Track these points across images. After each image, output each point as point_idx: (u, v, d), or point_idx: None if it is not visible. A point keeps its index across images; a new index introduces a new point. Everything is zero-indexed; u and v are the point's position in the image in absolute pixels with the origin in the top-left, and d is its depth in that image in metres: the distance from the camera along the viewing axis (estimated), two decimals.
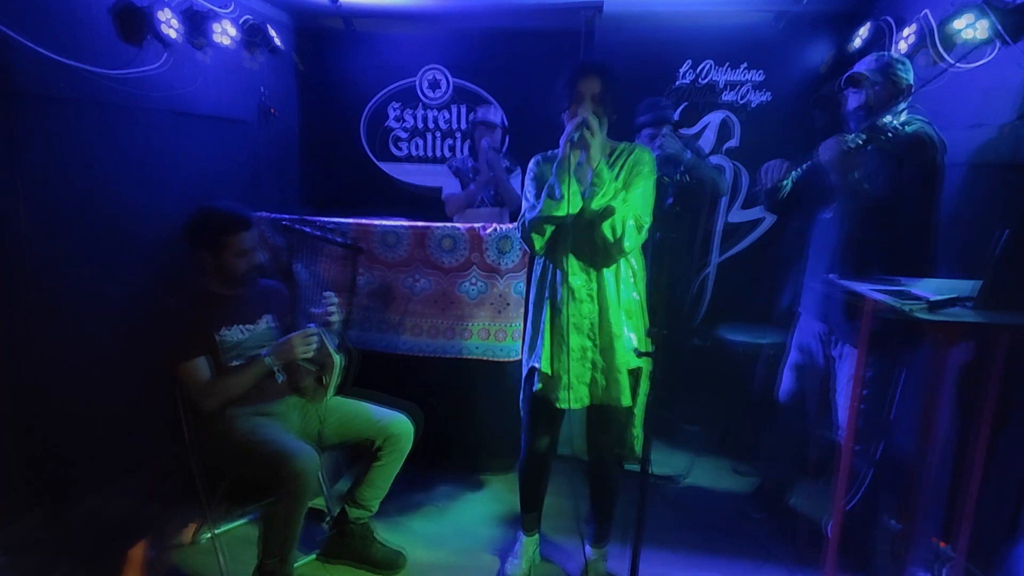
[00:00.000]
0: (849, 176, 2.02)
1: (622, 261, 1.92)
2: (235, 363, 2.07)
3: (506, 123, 3.41)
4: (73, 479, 2.39)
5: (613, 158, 1.91)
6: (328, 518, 2.36)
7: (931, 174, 2.02)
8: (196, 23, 2.86)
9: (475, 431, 2.86)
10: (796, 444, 2.45)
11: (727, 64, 3.49)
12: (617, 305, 1.90)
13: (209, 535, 2.16)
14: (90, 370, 2.45)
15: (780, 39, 3.41)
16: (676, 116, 3.09)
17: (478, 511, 2.63)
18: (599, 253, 1.87)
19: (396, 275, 2.79)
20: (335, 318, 2.14)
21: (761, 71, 3.47)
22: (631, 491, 2.69)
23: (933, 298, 1.51)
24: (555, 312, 1.94)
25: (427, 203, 3.83)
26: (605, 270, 1.90)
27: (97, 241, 2.48)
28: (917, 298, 1.59)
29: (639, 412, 2.02)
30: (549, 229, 1.88)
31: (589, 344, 1.93)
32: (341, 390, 2.24)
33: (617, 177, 1.86)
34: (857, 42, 3.10)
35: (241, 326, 2.12)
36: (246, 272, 2.10)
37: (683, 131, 3.56)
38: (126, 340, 2.55)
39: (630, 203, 1.82)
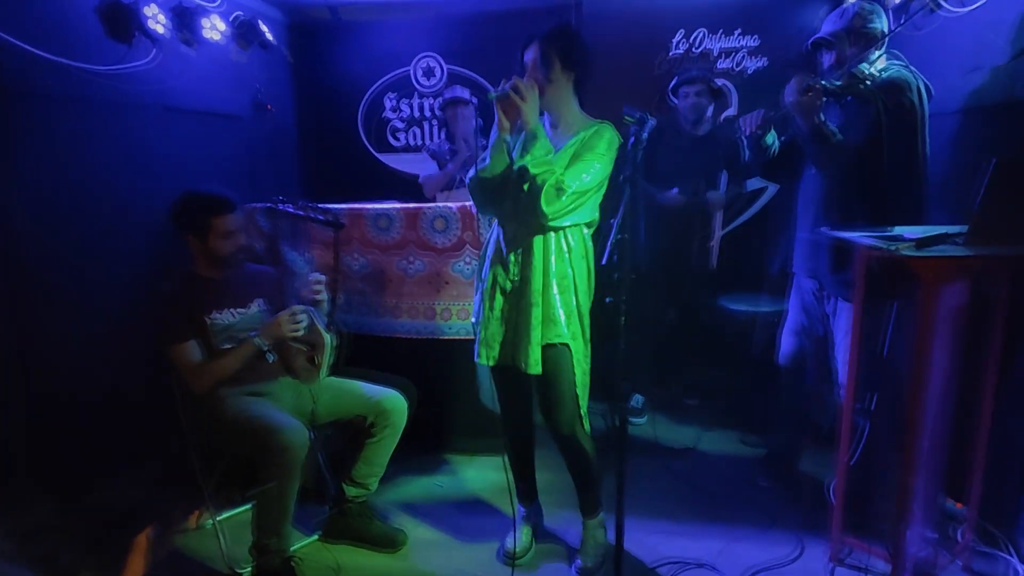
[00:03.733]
0: (816, 119, 1.96)
1: (557, 235, 1.88)
2: (226, 346, 2.08)
3: (476, 100, 3.38)
4: (82, 469, 2.43)
5: (577, 132, 1.88)
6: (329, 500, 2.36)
7: (911, 118, 1.96)
8: (184, 19, 2.90)
9: (475, 410, 2.85)
10: (800, 408, 2.39)
11: (720, 31, 3.42)
12: (541, 273, 1.87)
13: (211, 520, 2.18)
14: (95, 361, 2.48)
15: (774, 1, 3.33)
16: (712, 75, 3.08)
17: (480, 489, 2.61)
18: (533, 217, 1.83)
19: (390, 258, 2.79)
20: (322, 297, 2.15)
21: (756, 36, 3.40)
22: (633, 463, 2.70)
23: (920, 235, 1.45)
24: (487, 271, 1.99)
25: None
26: (536, 239, 1.87)
27: (94, 235, 2.51)
28: (906, 240, 1.53)
29: (582, 392, 1.99)
30: (480, 191, 1.92)
31: (507, 306, 1.95)
32: (335, 370, 2.24)
33: (571, 148, 1.84)
34: None
35: (232, 309, 2.13)
36: (232, 254, 2.12)
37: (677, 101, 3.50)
38: (127, 332, 2.58)
39: (560, 167, 1.79)
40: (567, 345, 1.92)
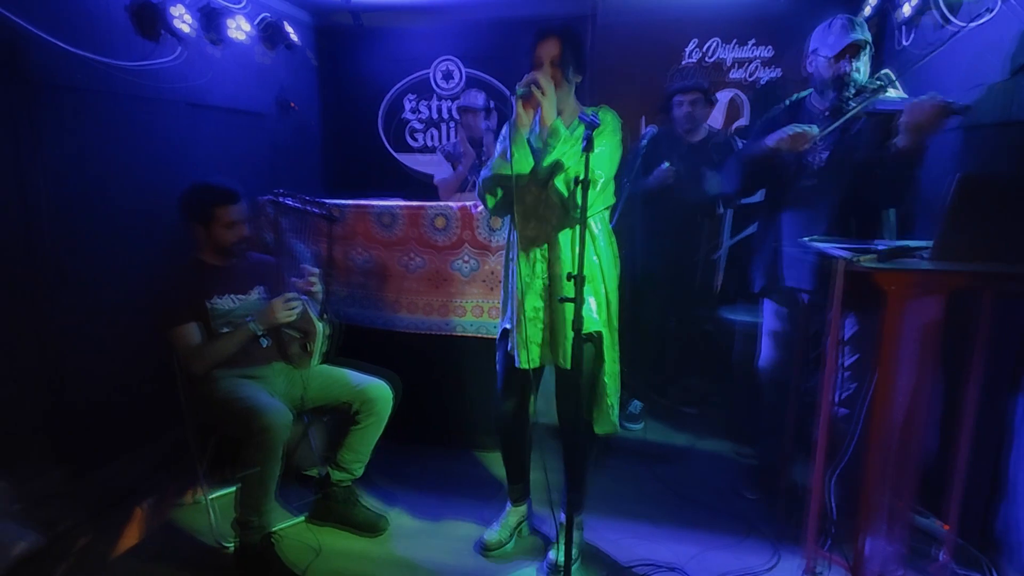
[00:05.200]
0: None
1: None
2: (225, 330, 2.19)
3: (491, 104, 3.44)
4: (91, 444, 2.56)
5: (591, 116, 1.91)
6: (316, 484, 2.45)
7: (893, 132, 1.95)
8: (211, 19, 3.04)
9: (469, 406, 2.91)
10: (782, 420, 2.38)
11: (734, 41, 3.42)
12: (571, 267, 1.89)
13: (204, 497, 2.29)
14: (111, 345, 2.61)
15: (789, 12, 3.31)
16: (708, 85, 3.08)
17: (468, 484, 2.66)
18: (556, 212, 1.88)
19: (392, 254, 2.88)
20: (317, 288, 2.24)
21: (770, 47, 3.39)
22: (616, 465, 2.73)
23: (882, 247, 1.45)
24: (513, 272, 1.97)
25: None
26: (563, 234, 1.90)
27: (115, 224, 2.64)
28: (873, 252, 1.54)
29: (611, 382, 2.01)
30: (500, 189, 1.90)
31: (541, 304, 1.94)
32: (326, 359, 2.33)
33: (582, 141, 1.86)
34: (867, 10, 2.99)
35: (232, 295, 2.24)
36: (235, 243, 2.22)
37: None
38: (142, 316, 2.71)
39: (590, 161, 1.78)
40: (600, 333, 1.95)
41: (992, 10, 2.17)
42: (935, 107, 1.76)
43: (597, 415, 2.05)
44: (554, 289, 1.92)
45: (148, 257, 2.73)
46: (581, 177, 1.63)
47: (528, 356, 1.93)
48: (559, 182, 1.80)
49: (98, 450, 2.56)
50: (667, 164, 2.96)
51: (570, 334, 1.85)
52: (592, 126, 1.59)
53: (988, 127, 2.10)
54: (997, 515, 2.02)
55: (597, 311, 1.92)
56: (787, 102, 2.36)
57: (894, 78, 1.97)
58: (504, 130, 2.01)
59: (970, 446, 1.83)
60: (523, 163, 1.83)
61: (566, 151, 1.79)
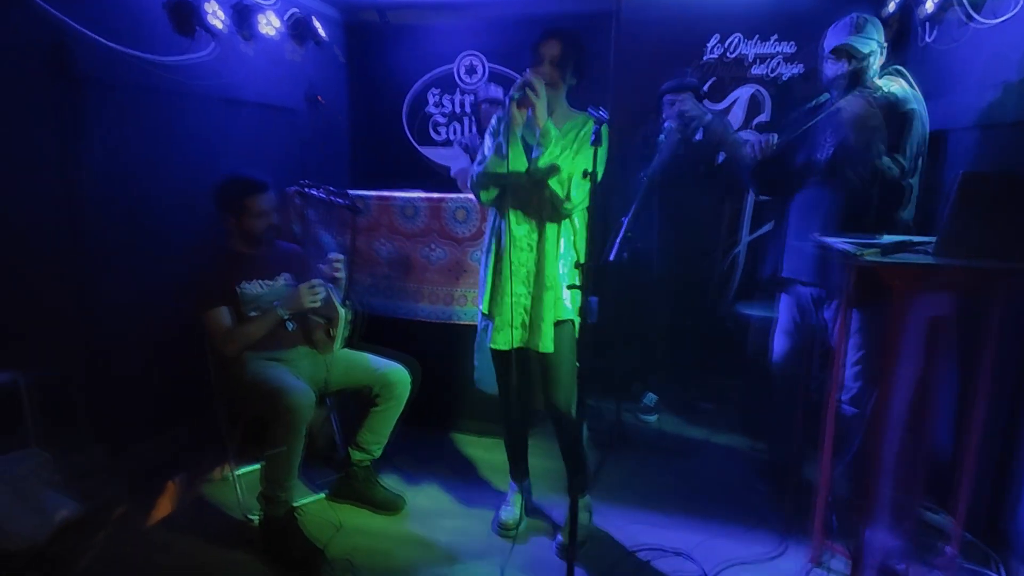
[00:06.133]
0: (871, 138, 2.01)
1: (568, 219, 2.00)
2: (253, 314, 2.29)
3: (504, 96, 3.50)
4: (131, 421, 2.70)
5: (569, 124, 1.98)
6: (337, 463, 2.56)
7: (907, 130, 1.98)
8: (242, 15, 3.15)
9: (484, 394, 2.97)
10: (797, 412, 2.41)
11: (756, 37, 3.42)
12: (555, 257, 1.98)
13: (232, 473, 2.41)
14: (149, 328, 2.74)
15: (813, 8, 3.30)
16: (697, 83, 3.08)
17: (483, 468, 2.75)
18: (547, 207, 1.96)
19: (415, 245, 2.97)
20: (340, 275, 2.33)
21: (793, 43, 3.38)
22: (630, 456, 2.79)
23: (885, 242, 1.48)
24: (499, 259, 2.05)
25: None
26: (550, 226, 1.99)
27: (154, 214, 2.76)
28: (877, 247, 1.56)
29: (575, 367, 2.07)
30: (494, 185, 2.00)
31: (524, 291, 2.03)
32: (348, 344, 2.43)
33: (572, 143, 1.93)
34: (891, 6, 2.97)
35: (260, 281, 2.35)
36: (263, 232, 2.33)
37: (709, 105, 3.52)
38: (179, 302, 2.83)
39: (578, 160, 1.89)
40: (571, 321, 2.04)
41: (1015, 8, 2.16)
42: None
43: (565, 395, 2.11)
44: (540, 277, 2.00)
45: (184, 244, 2.83)
46: (579, 175, 1.70)
47: (503, 338, 2.04)
48: (553, 182, 1.88)
49: (135, 427, 2.70)
50: (668, 123, 2.93)
51: (549, 321, 1.96)
52: (601, 121, 1.65)
53: (1006, 126, 2.09)
54: (1005, 510, 2.03)
55: (571, 299, 2.01)
56: (811, 104, 2.37)
57: (905, 72, 1.99)
58: (493, 123, 2.08)
59: (979, 441, 1.85)
60: (517, 161, 1.93)
61: (556, 153, 1.87)
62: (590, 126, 1.94)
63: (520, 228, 2.02)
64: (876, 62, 2.15)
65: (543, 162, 1.88)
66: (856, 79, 2.11)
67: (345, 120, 4.35)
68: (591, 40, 3.62)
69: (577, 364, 2.03)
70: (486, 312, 2.10)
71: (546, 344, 2.00)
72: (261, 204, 2.29)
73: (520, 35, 3.98)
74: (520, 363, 2.14)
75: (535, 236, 2.01)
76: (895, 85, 2.11)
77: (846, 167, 2.01)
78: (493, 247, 2.08)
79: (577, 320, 2.02)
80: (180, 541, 2.22)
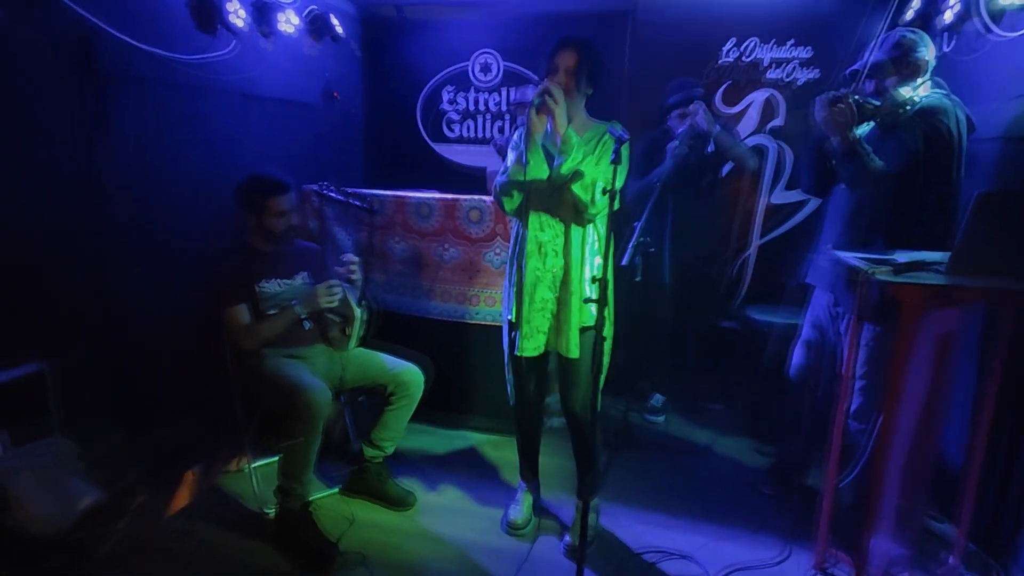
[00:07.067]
0: (850, 137, 1.99)
1: (591, 226, 2.03)
2: (272, 312, 2.34)
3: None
4: (151, 410, 2.77)
5: (590, 132, 2.00)
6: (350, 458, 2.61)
7: (946, 147, 1.96)
8: (263, 13, 3.19)
9: (496, 392, 3.02)
10: (807, 421, 2.44)
11: (773, 41, 3.42)
12: (580, 264, 2.01)
13: (248, 466, 2.47)
14: (168, 320, 2.79)
15: (830, 13, 3.29)
16: (703, 92, 3.08)
17: (494, 465, 2.80)
18: (571, 213, 1.99)
19: (429, 244, 3.00)
20: (356, 276, 2.37)
21: (809, 47, 3.38)
22: (637, 457, 2.83)
23: (899, 260, 1.51)
24: (523, 266, 2.07)
25: (476, 182, 4.04)
26: (573, 230, 2.01)
27: (175, 207, 2.81)
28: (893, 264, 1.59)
29: (600, 374, 2.09)
30: (516, 192, 2.02)
31: (551, 296, 2.06)
32: (363, 342, 2.48)
33: (594, 151, 1.96)
34: (909, 14, 2.97)
35: (279, 280, 2.40)
36: (283, 231, 2.37)
37: (724, 109, 3.53)
38: (198, 296, 2.89)
39: (601, 167, 1.92)
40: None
41: None
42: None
43: (583, 399, 2.13)
44: (565, 282, 2.03)
45: (204, 237, 2.88)
46: (608, 187, 1.72)
47: (530, 344, 2.06)
48: (577, 188, 1.91)
49: (155, 416, 2.76)
50: (676, 142, 2.93)
51: (575, 326, 1.98)
52: (621, 141, 1.68)
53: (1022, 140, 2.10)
54: (1008, 521, 2.06)
55: (597, 308, 2.01)
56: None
57: (901, 100, 1.98)
58: (515, 137, 2.11)
59: (983, 452, 1.88)
60: (538, 169, 1.95)
61: (579, 159, 1.89)
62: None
63: (545, 234, 2.05)
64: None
65: (566, 168, 1.91)
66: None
67: (360, 115, 4.39)
68: (606, 40, 3.65)
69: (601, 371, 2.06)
70: (513, 320, 2.12)
71: (572, 349, 2.03)
72: (282, 204, 2.33)
73: (536, 34, 3.99)
74: (540, 365, 2.19)
75: (560, 242, 2.04)
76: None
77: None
78: (517, 254, 2.11)
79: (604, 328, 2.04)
80: (198, 530, 2.29)
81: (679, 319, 3.25)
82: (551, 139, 1.96)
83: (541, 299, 2.06)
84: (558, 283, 2.05)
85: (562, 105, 1.87)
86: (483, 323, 2.96)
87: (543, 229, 2.05)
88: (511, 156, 2.06)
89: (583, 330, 2.05)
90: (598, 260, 2.06)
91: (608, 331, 2.09)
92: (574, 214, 1.99)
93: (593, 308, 2.01)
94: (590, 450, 2.21)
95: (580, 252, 2.02)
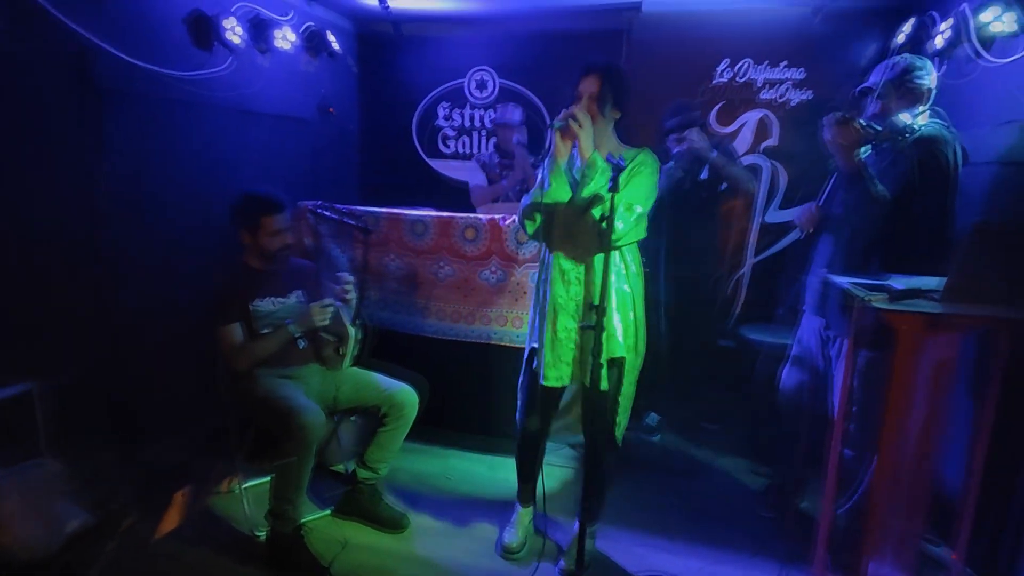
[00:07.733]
0: (856, 159, 2.01)
1: (615, 253, 1.98)
2: (266, 331, 2.32)
3: (522, 120, 3.53)
4: (141, 430, 2.73)
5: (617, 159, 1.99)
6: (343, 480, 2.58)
7: (942, 176, 1.98)
8: (259, 30, 3.19)
9: (491, 412, 3.01)
10: (798, 443, 2.43)
11: (766, 62, 3.46)
12: (603, 292, 1.98)
13: (240, 487, 2.44)
14: (163, 338, 2.77)
15: (822, 36, 3.34)
16: (700, 115, 3.11)
17: (485, 486, 2.77)
18: (592, 238, 1.95)
19: (423, 262, 3.00)
20: (351, 295, 2.36)
21: (802, 69, 3.42)
22: (633, 476, 2.81)
23: (896, 288, 1.51)
24: (547, 292, 2.05)
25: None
26: (597, 259, 1.97)
27: (171, 224, 2.79)
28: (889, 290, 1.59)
29: (624, 402, 2.09)
30: (539, 216, 1.99)
31: (574, 325, 2.03)
32: (358, 362, 2.46)
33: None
34: (901, 38, 3.01)
35: (273, 298, 2.38)
36: (278, 250, 2.36)
37: (718, 129, 3.56)
38: (192, 314, 2.86)
39: (623, 192, 1.85)
40: (623, 358, 2.04)
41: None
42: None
43: (604, 428, 2.11)
44: (587, 311, 2.00)
45: (199, 256, 2.88)
46: (606, 214, 1.71)
47: (555, 375, 2.03)
48: (597, 212, 1.88)
49: (145, 437, 2.73)
50: (672, 163, 2.96)
51: (603, 357, 1.91)
52: (618, 169, 1.68)
53: (1013, 164, 2.12)
54: (1006, 545, 2.06)
55: (624, 336, 2.00)
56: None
57: (902, 126, 2.00)
58: (547, 161, 2.09)
59: (981, 477, 1.88)
60: (560, 192, 1.93)
61: (602, 183, 1.86)
62: (641, 158, 1.95)
63: (568, 262, 2.03)
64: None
65: (587, 191, 1.87)
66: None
67: (356, 131, 4.39)
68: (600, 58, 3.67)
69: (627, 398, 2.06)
70: (536, 347, 2.10)
71: (603, 381, 1.93)
72: (277, 223, 2.32)
73: (531, 51, 4.02)
74: (557, 394, 2.15)
75: (582, 269, 2.02)
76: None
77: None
78: (543, 284, 2.08)
79: (630, 359, 2.03)
80: (188, 553, 2.25)
81: (675, 338, 3.25)
82: (579, 165, 1.92)
83: (564, 328, 2.03)
84: (581, 312, 2.02)
85: (587, 129, 1.85)
86: (478, 341, 2.95)
87: (566, 256, 2.03)
88: (539, 179, 2.03)
89: (611, 362, 2.00)
90: (626, 287, 2.01)
91: (633, 360, 2.06)
92: (597, 242, 1.94)
93: (620, 334, 2.00)
94: (602, 477, 2.19)
95: (603, 280, 1.94)
